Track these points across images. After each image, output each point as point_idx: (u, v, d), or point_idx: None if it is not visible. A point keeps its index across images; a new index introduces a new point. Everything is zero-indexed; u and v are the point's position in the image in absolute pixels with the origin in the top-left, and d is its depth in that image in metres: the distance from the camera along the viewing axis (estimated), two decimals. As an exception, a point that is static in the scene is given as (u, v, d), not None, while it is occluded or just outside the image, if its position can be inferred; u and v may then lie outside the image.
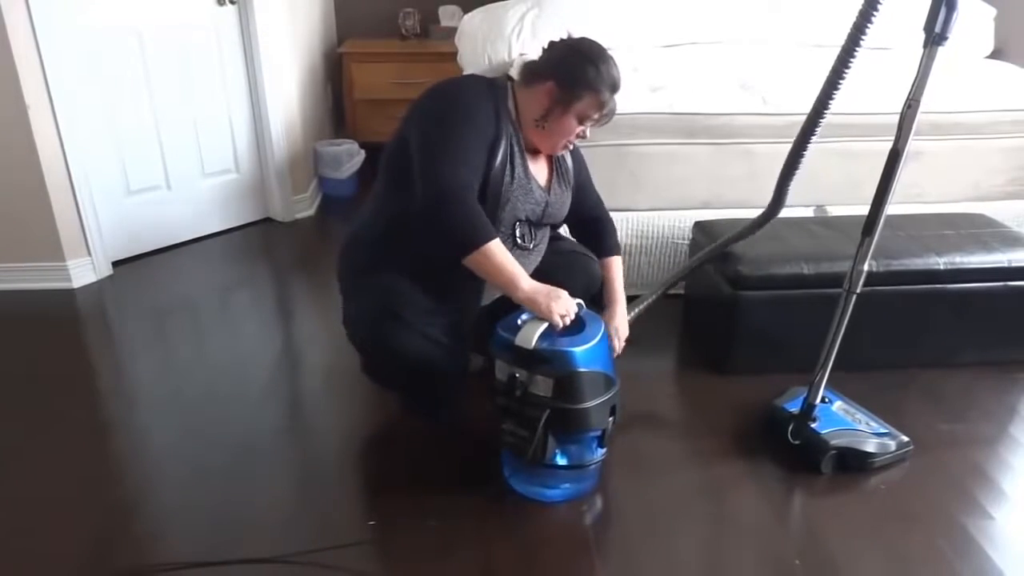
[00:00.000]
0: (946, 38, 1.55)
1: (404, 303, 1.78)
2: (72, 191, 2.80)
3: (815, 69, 2.69)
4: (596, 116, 1.81)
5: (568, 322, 1.68)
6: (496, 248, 1.67)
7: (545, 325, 1.64)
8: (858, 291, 1.81)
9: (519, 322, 1.69)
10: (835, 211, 2.63)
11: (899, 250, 2.27)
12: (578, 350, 1.64)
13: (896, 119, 1.65)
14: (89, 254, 2.91)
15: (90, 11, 2.78)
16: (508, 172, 1.78)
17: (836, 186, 2.64)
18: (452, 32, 3.83)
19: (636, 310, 2.19)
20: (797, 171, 1.80)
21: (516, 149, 1.80)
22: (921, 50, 1.58)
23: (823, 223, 2.49)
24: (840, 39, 1.59)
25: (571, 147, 1.91)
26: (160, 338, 2.65)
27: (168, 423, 2.16)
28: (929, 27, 1.55)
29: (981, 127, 2.66)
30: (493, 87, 1.82)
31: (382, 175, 1.89)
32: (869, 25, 1.52)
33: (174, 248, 3.24)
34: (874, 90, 2.61)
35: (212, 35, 3.15)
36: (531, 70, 1.83)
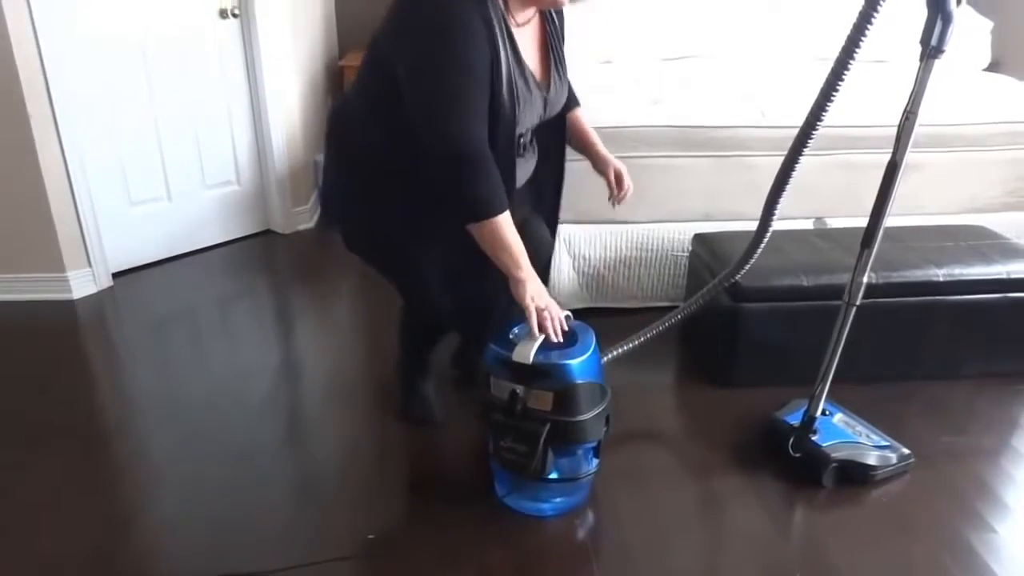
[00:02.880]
0: (942, 51, 1.55)
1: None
2: (73, 202, 2.81)
3: (813, 82, 2.70)
4: None
5: (559, 334, 1.66)
6: (506, 221, 1.60)
7: (541, 339, 1.64)
8: (858, 303, 1.81)
9: (512, 336, 1.68)
10: (834, 223, 2.64)
11: (899, 262, 2.27)
12: (575, 362, 1.64)
13: (894, 131, 1.65)
14: (89, 265, 2.92)
15: (94, 24, 2.80)
16: (511, 94, 1.60)
17: (835, 198, 2.65)
18: (453, 45, 3.85)
19: (631, 345, 2.14)
20: (787, 187, 1.78)
21: (512, 60, 1.60)
22: (918, 63, 1.59)
23: (823, 235, 2.49)
24: (829, 53, 1.60)
25: None
26: (160, 350, 2.65)
27: (167, 435, 2.16)
28: (925, 40, 1.56)
29: (979, 139, 2.66)
30: None
31: (369, 73, 1.69)
32: (862, 39, 1.52)
33: (174, 259, 3.24)
34: (872, 102, 2.62)
35: (214, 47, 3.17)
36: None
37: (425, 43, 1.52)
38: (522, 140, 1.75)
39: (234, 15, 3.16)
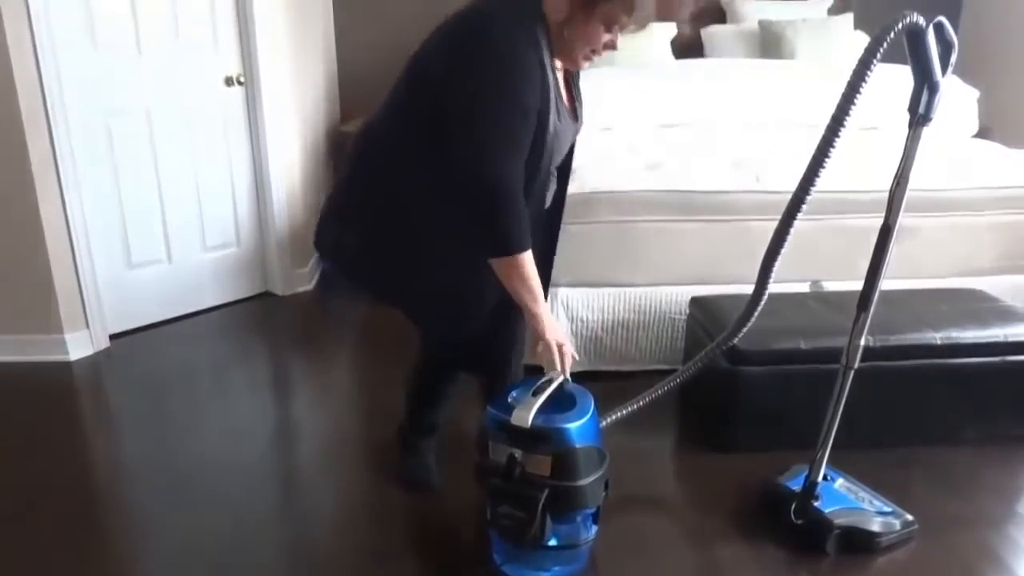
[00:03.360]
0: (930, 119, 1.59)
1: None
2: (74, 264, 2.83)
3: (805, 148, 2.75)
4: (625, 21, 1.61)
5: (548, 365, 1.69)
6: (529, 258, 1.63)
7: (540, 402, 1.63)
8: (856, 367, 1.81)
9: (510, 400, 1.67)
10: (831, 286, 2.65)
11: (895, 325, 2.27)
12: (573, 426, 1.63)
13: (886, 196, 1.68)
14: (87, 327, 2.91)
15: (102, 90, 2.87)
16: (554, 132, 1.65)
17: (831, 261, 2.67)
18: (452, 112, 3.93)
19: (629, 409, 2.12)
20: (782, 251, 1.79)
21: (555, 98, 1.64)
22: (907, 130, 1.63)
23: (819, 298, 2.50)
24: (822, 120, 1.63)
25: (594, 59, 1.70)
26: (155, 412, 2.62)
27: (160, 498, 2.12)
28: (913, 108, 1.60)
29: (971, 203, 2.70)
30: (531, 19, 1.61)
31: (408, 92, 1.70)
32: (851, 109, 1.56)
33: (173, 321, 3.24)
34: (865, 168, 2.66)
35: (219, 113, 3.23)
36: None
37: (486, 80, 1.56)
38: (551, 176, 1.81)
39: (240, 83, 3.24)
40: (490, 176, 1.57)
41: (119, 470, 2.32)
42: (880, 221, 1.72)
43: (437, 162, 1.63)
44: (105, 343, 3.00)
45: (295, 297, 3.55)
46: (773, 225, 1.79)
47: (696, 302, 2.54)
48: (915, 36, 1.54)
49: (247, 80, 3.26)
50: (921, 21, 1.51)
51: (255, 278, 3.52)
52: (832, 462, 1.92)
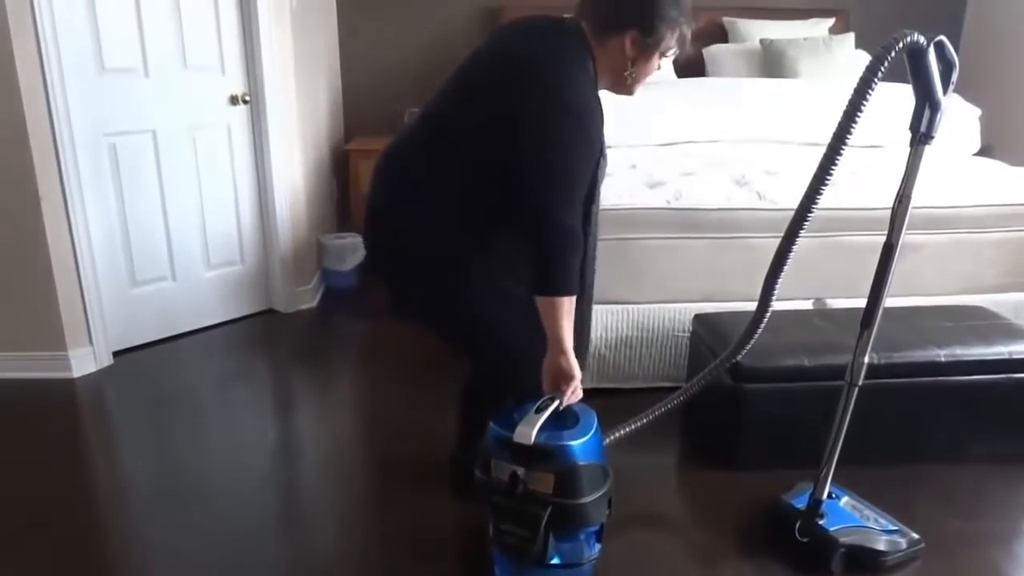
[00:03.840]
0: (931, 137, 1.60)
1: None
2: (79, 282, 2.84)
3: (807, 166, 2.76)
4: (677, 49, 1.73)
5: (557, 396, 1.68)
6: (572, 303, 1.65)
7: (543, 419, 1.62)
8: (860, 384, 1.80)
9: (513, 416, 1.67)
10: (834, 303, 2.65)
11: (900, 342, 2.27)
12: (577, 443, 1.62)
13: (888, 213, 1.68)
14: (91, 344, 2.92)
15: (108, 112, 2.89)
16: (606, 158, 1.77)
17: (834, 279, 2.67)
18: (456, 130, 3.96)
19: (633, 426, 2.12)
20: (785, 268, 1.80)
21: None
22: (909, 148, 1.63)
23: (823, 315, 2.50)
24: (826, 138, 1.64)
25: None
26: (157, 430, 2.62)
27: (161, 516, 2.12)
28: (915, 127, 1.61)
29: (974, 221, 2.70)
30: (583, 58, 1.69)
31: (468, 119, 1.71)
32: (852, 127, 1.57)
33: (175, 339, 3.25)
34: (869, 185, 2.67)
35: (224, 132, 3.26)
36: (604, 22, 1.69)
37: (558, 133, 1.60)
38: None
39: (245, 101, 3.27)
40: (560, 219, 1.60)
41: (121, 488, 2.31)
42: (883, 239, 1.72)
43: (500, 191, 1.65)
44: (108, 360, 3.00)
45: (298, 314, 3.56)
46: (776, 242, 1.80)
47: (699, 319, 2.54)
48: (916, 55, 1.55)
49: (252, 99, 3.28)
50: (922, 40, 1.52)
51: (258, 296, 3.53)
52: (837, 480, 1.91)
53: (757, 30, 4.23)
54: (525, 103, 1.62)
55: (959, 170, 3.01)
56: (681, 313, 2.68)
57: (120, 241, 3.03)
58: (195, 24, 3.06)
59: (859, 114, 1.55)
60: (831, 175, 1.63)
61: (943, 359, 2.24)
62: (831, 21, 4.35)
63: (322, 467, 2.42)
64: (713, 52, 4.27)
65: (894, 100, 2.71)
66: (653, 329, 2.70)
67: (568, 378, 1.68)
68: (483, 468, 1.70)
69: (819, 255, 2.60)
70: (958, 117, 3.44)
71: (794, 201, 1.72)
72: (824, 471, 1.88)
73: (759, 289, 1.87)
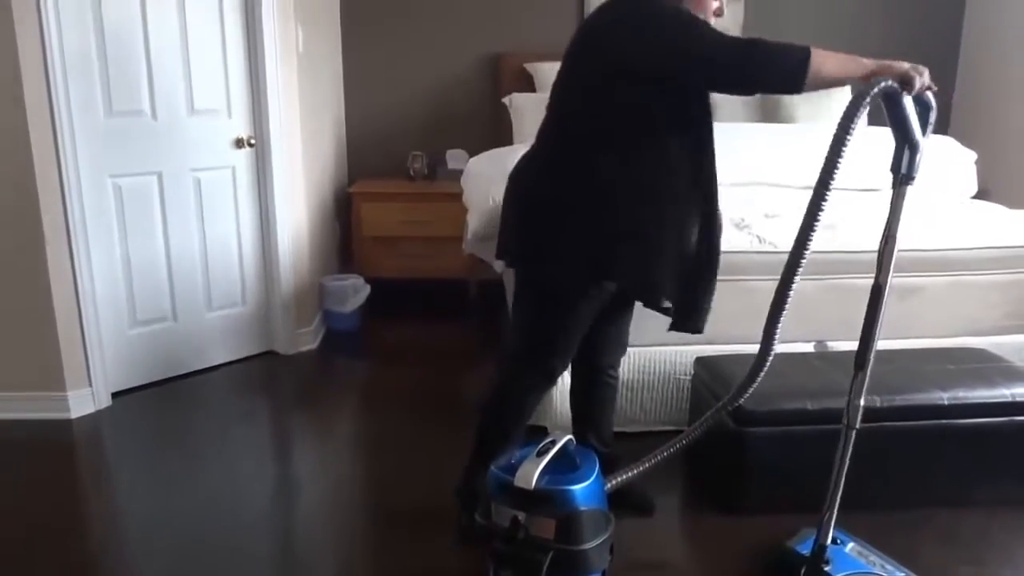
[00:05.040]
0: (912, 178, 1.63)
1: None
2: (80, 322, 2.84)
3: (803, 209, 2.77)
4: None
5: (921, 85, 1.61)
6: (818, 50, 1.62)
7: (544, 463, 1.61)
8: (857, 426, 1.79)
9: (513, 461, 1.66)
10: (835, 346, 2.64)
11: (902, 385, 2.26)
12: (578, 488, 1.61)
13: (896, 257, 1.69)
14: (90, 384, 2.91)
15: (115, 154, 2.93)
16: None
17: (835, 321, 2.66)
18: (458, 174, 4.00)
19: (634, 472, 2.10)
20: (785, 309, 1.79)
21: None
22: (891, 189, 1.66)
23: (824, 358, 2.50)
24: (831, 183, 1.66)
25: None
26: (153, 473, 2.59)
27: (156, 563, 2.09)
28: (896, 168, 1.64)
29: (974, 263, 2.71)
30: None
31: (587, 95, 1.86)
32: (836, 170, 1.59)
33: (175, 379, 3.24)
34: (866, 228, 2.68)
35: (228, 175, 3.29)
36: None
37: (644, 16, 1.75)
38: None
39: (250, 144, 3.31)
40: (717, 47, 1.67)
41: (116, 531, 2.29)
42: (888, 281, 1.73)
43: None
44: (107, 401, 2.99)
45: (298, 356, 3.55)
46: (776, 284, 1.80)
47: (701, 362, 2.53)
48: (891, 98, 1.58)
49: (257, 142, 3.32)
50: (894, 84, 1.55)
51: (259, 337, 3.53)
52: (842, 525, 1.89)
53: (755, 76, 4.30)
54: (614, 30, 1.77)
55: (957, 213, 3.03)
56: (683, 356, 2.67)
57: (122, 281, 3.04)
58: (203, 68, 3.12)
59: (840, 158, 1.58)
60: (819, 219, 1.64)
61: (946, 402, 2.23)
62: (828, 67, 4.43)
63: (320, 512, 2.39)
64: (713, 97, 4.32)
65: (889, 144, 2.72)
66: (655, 372, 2.69)
67: (906, 69, 1.60)
68: (483, 513, 1.68)
69: (819, 298, 2.61)
70: (955, 161, 3.48)
71: (791, 244, 1.74)
72: (827, 515, 1.86)
73: (760, 332, 1.87)
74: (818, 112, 3.96)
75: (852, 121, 1.56)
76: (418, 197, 4.23)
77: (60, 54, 2.65)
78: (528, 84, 4.23)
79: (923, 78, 1.60)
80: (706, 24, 1.76)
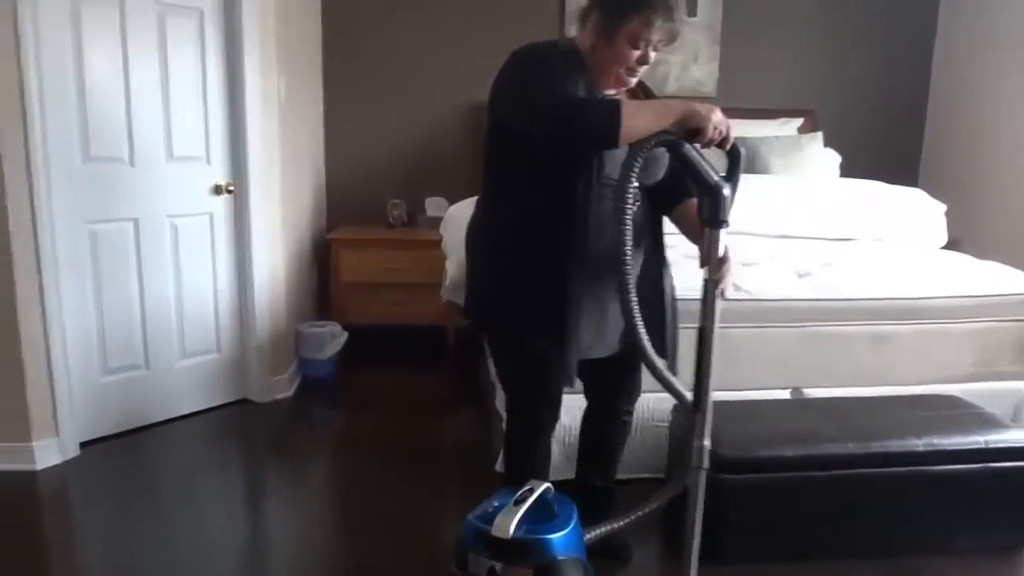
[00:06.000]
0: (723, 222, 1.69)
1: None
2: (49, 371, 2.78)
3: (781, 258, 2.82)
4: (651, 37, 1.74)
5: (719, 136, 1.66)
6: (627, 102, 1.67)
7: (522, 512, 1.59)
8: (705, 466, 1.78)
9: (490, 509, 1.64)
10: (812, 392, 2.65)
11: (877, 432, 2.26)
12: (556, 536, 1.59)
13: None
14: (57, 434, 2.83)
15: (91, 201, 2.91)
16: None
17: (812, 368, 2.68)
18: (438, 221, 4.02)
19: (611, 526, 2.06)
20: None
21: (594, 93, 1.80)
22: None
23: (801, 405, 2.50)
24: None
25: (637, 74, 1.84)
26: (120, 527, 2.51)
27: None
28: (704, 215, 1.70)
29: (945, 312, 2.75)
30: (557, 43, 1.85)
31: (488, 151, 1.93)
32: (626, 223, 1.60)
33: (146, 429, 3.16)
34: (842, 278, 2.72)
35: (206, 221, 3.28)
36: (583, 11, 1.84)
37: (518, 67, 1.79)
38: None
39: (229, 191, 3.31)
40: (545, 102, 1.68)
41: (80, 587, 2.21)
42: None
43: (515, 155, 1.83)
44: (75, 451, 2.91)
45: (273, 404, 3.50)
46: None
47: (677, 409, 2.53)
48: (673, 148, 1.62)
49: (236, 188, 3.32)
50: (676, 136, 1.61)
51: (234, 385, 3.48)
52: (824, 575, 1.87)
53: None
54: (496, 78, 1.82)
55: (928, 263, 3.09)
56: (659, 403, 2.66)
57: (95, 328, 2.99)
58: (183, 115, 3.13)
59: (626, 216, 1.59)
60: (628, 271, 1.62)
61: (921, 448, 2.24)
62: (800, 121, 4.54)
63: (293, 566, 2.32)
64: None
65: (866, 196, 2.81)
66: (632, 420, 2.68)
67: (702, 118, 1.64)
68: (459, 564, 1.65)
69: (795, 345, 2.62)
70: (925, 213, 3.55)
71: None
72: (686, 565, 1.80)
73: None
74: (795, 164, 4.04)
75: (632, 170, 1.59)
76: (397, 244, 4.24)
77: (39, 98, 2.65)
78: (507, 134, 4.28)
79: (716, 128, 1.66)
80: (550, 75, 1.73)
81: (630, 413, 2.27)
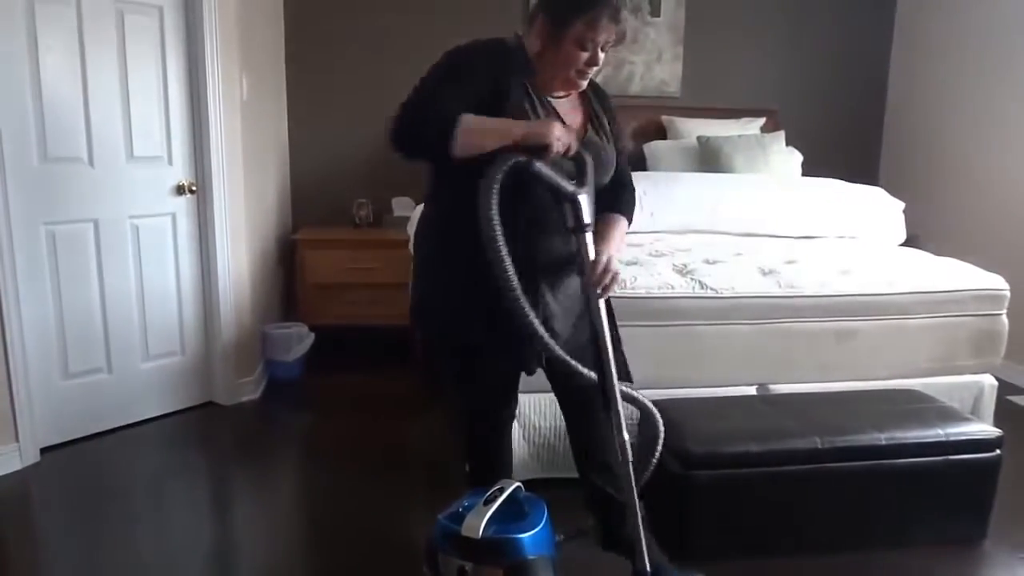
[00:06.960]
0: (588, 225, 1.74)
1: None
2: (7, 375, 2.71)
3: (745, 255, 2.85)
4: (597, 39, 1.73)
5: (563, 147, 1.67)
6: (472, 117, 1.66)
7: (491, 512, 1.59)
8: (632, 460, 1.82)
9: (460, 510, 1.64)
10: (778, 388, 2.69)
11: (841, 427, 2.30)
12: (526, 536, 1.59)
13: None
14: (16, 440, 2.77)
15: (48, 202, 2.85)
16: (516, 101, 1.76)
17: (778, 364, 2.72)
18: (404, 221, 4.00)
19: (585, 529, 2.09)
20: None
21: (534, 96, 1.79)
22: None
23: (767, 401, 2.54)
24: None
25: (587, 76, 1.82)
26: (83, 535, 2.46)
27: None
28: (569, 223, 1.75)
29: (904, 308, 2.81)
30: (501, 42, 1.81)
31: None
32: (498, 247, 1.61)
33: (108, 433, 3.11)
34: (806, 274, 2.76)
35: (168, 222, 3.23)
36: (530, 15, 1.84)
37: (433, 66, 1.78)
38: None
39: (191, 191, 3.26)
40: (405, 102, 1.72)
41: (41, 596, 2.16)
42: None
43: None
44: (35, 457, 2.85)
45: (239, 407, 3.45)
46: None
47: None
48: (526, 169, 1.64)
49: (199, 188, 3.27)
50: (522, 160, 1.63)
51: (198, 387, 3.43)
52: (786, 570, 1.90)
53: (694, 128, 4.43)
54: None
55: (887, 260, 3.15)
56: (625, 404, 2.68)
57: (54, 331, 2.93)
58: (143, 115, 3.08)
59: (495, 233, 1.60)
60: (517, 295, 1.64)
61: (884, 442, 2.29)
62: (762, 120, 4.60)
63: (261, 572, 2.30)
64: (653, 148, 4.44)
65: (827, 194, 2.85)
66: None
67: (543, 134, 1.65)
68: (430, 565, 1.64)
69: (760, 342, 2.66)
70: (884, 211, 3.62)
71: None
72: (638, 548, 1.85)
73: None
74: (757, 163, 4.10)
75: (491, 194, 1.60)
76: (363, 244, 4.21)
77: (-8, 97, 2.59)
78: (474, 133, 4.27)
79: (559, 140, 1.67)
80: (442, 79, 1.74)
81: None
